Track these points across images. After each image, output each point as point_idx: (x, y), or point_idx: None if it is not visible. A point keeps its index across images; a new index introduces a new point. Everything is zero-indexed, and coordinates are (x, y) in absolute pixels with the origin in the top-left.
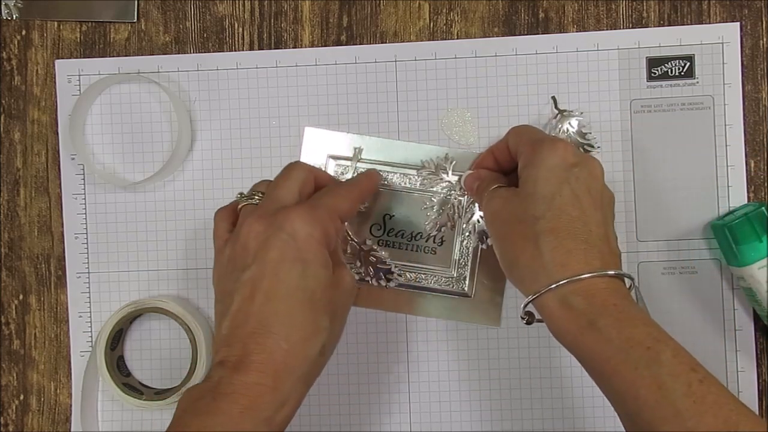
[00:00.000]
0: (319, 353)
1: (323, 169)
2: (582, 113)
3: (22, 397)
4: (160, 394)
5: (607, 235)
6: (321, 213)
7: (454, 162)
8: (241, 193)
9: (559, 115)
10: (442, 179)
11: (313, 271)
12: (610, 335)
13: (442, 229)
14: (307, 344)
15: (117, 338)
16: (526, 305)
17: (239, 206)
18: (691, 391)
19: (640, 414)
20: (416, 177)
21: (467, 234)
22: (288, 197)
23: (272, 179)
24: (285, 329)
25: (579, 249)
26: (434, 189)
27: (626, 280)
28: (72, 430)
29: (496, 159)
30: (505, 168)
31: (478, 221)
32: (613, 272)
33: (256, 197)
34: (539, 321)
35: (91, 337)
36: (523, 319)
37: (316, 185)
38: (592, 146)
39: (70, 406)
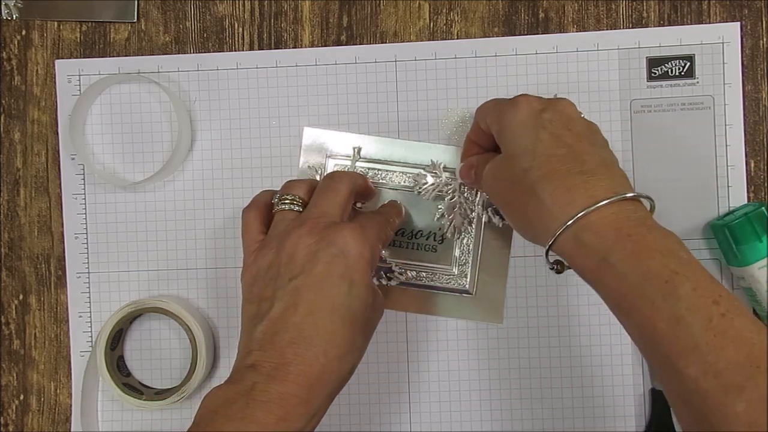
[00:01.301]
0: (349, 371)
1: (324, 168)
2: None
3: (22, 397)
4: (160, 394)
5: (604, 161)
6: (371, 235)
7: (442, 163)
8: (274, 194)
9: None
10: (438, 184)
11: (357, 291)
12: (625, 270)
13: (462, 229)
14: (342, 361)
15: (117, 338)
16: (547, 254)
17: (275, 209)
18: (712, 325)
19: (658, 348)
20: (415, 183)
21: (486, 218)
22: (335, 212)
23: (304, 181)
24: (324, 344)
25: (578, 182)
26: (432, 189)
27: (644, 201)
28: (72, 430)
29: (476, 143)
30: (487, 149)
31: (492, 203)
32: (629, 195)
33: (296, 203)
34: (569, 267)
35: (91, 337)
36: (552, 269)
37: (357, 194)
38: None
39: (70, 406)
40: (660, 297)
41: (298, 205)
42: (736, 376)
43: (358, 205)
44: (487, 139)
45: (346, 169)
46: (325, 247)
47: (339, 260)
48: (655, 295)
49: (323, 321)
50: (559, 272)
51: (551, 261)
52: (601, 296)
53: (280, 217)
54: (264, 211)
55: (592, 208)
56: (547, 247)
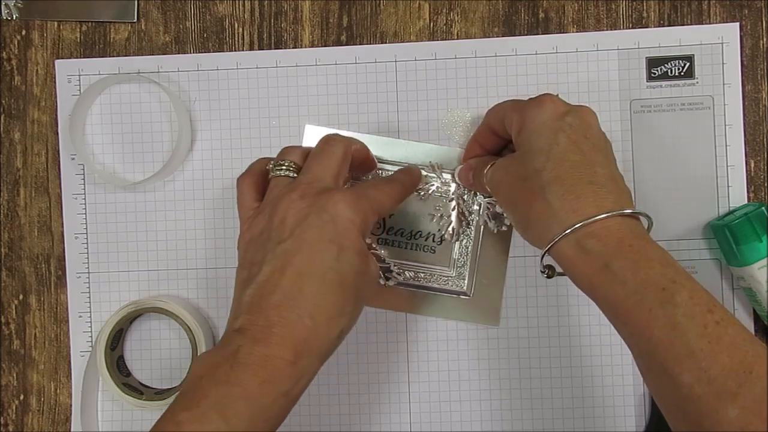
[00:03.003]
0: (337, 336)
1: None
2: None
3: (22, 397)
4: (160, 394)
5: (614, 175)
6: (364, 203)
7: (441, 165)
8: (270, 162)
9: None
10: (437, 184)
11: (347, 256)
12: (624, 277)
13: (461, 231)
14: (329, 324)
15: (117, 338)
16: (543, 256)
17: (270, 176)
18: (707, 332)
19: (654, 354)
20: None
21: (483, 223)
22: (328, 176)
23: (300, 147)
24: (311, 307)
25: (587, 191)
26: (432, 190)
27: (642, 219)
28: (72, 430)
29: (481, 146)
30: (492, 152)
31: (488, 207)
32: (628, 211)
33: (291, 169)
34: (560, 274)
35: (91, 337)
36: (543, 273)
37: (353, 160)
38: None
39: (70, 406)
40: (657, 304)
41: (292, 171)
42: (729, 382)
43: (363, 178)
44: (492, 142)
45: None
46: (315, 212)
47: (329, 225)
48: (652, 302)
49: (310, 285)
50: (549, 276)
51: (544, 264)
52: (598, 302)
53: (274, 183)
54: (259, 179)
55: (599, 217)
56: (546, 249)
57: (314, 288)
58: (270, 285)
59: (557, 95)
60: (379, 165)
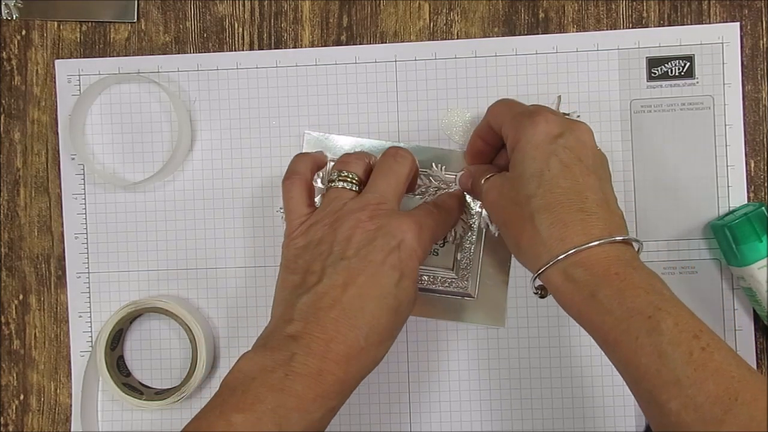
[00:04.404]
0: (381, 358)
1: (325, 172)
2: (579, 115)
3: (22, 397)
4: (160, 394)
5: (606, 199)
6: (425, 234)
7: (443, 167)
8: (332, 171)
9: None
10: (440, 187)
11: (405, 284)
12: (611, 306)
13: (463, 233)
14: (379, 348)
15: (117, 338)
16: (533, 281)
17: (330, 185)
18: (692, 359)
19: (642, 382)
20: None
21: (483, 227)
22: (394, 197)
23: (362, 158)
24: (367, 328)
25: (576, 220)
26: (434, 192)
27: (634, 243)
28: (72, 430)
29: (483, 140)
30: (495, 146)
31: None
32: (618, 238)
33: (354, 182)
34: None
35: (91, 337)
36: (535, 293)
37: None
38: None
39: (70, 406)
40: (644, 332)
41: (355, 184)
42: (715, 410)
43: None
44: (494, 137)
45: None
46: (383, 236)
47: (395, 252)
48: (639, 330)
49: (370, 306)
50: (542, 297)
51: (536, 286)
52: (587, 330)
53: (335, 194)
54: (307, 182)
55: (585, 246)
56: (535, 275)
57: (373, 310)
58: (329, 298)
59: (557, 102)
60: None
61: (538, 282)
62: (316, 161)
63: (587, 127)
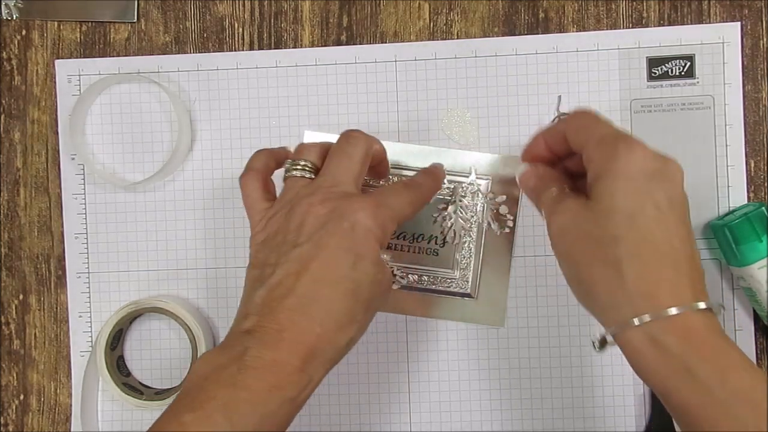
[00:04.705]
0: (346, 344)
1: None
2: None
3: (22, 397)
4: (160, 394)
5: (693, 255)
6: (384, 212)
7: (443, 167)
8: (268, 156)
9: (557, 119)
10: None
11: (363, 266)
12: (710, 385)
13: (463, 233)
14: (339, 333)
15: (117, 338)
16: (604, 335)
17: (286, 175)
18: None
19: None
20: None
21: (486, 225)
22: (348, 179)
23: (316, 145)
24: (322, 314)
25: (667, 277)
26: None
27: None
28: (72, 430)
29: (547, 145)
30: (559, 156)
31: (491, 209)
32: (703, 305)
33: (308, 169)
34: (611, 344)
35: (91, 337)
36: (595, 344)
37: (373, 160)
38: None
39: (70, 406)
40: (752, 419)
41: (309, 171)
42: None
43: (374, 183)
44: (562, 148)
45: None
46: (335, 218)
47: (348, 234)
48: (747, 417)
49: (324, 291)
50: (601, 349)
51: (599, 339)
52: (668, 404)
53: (291, 184)
54: (265, 177)
55: (677, 311)
56: (614, 330)
57: (328, 295)
58: (283, 288)
59: (557, 102)
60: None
61: (603, 334)
62: (274, 155)
63: (680, 166)
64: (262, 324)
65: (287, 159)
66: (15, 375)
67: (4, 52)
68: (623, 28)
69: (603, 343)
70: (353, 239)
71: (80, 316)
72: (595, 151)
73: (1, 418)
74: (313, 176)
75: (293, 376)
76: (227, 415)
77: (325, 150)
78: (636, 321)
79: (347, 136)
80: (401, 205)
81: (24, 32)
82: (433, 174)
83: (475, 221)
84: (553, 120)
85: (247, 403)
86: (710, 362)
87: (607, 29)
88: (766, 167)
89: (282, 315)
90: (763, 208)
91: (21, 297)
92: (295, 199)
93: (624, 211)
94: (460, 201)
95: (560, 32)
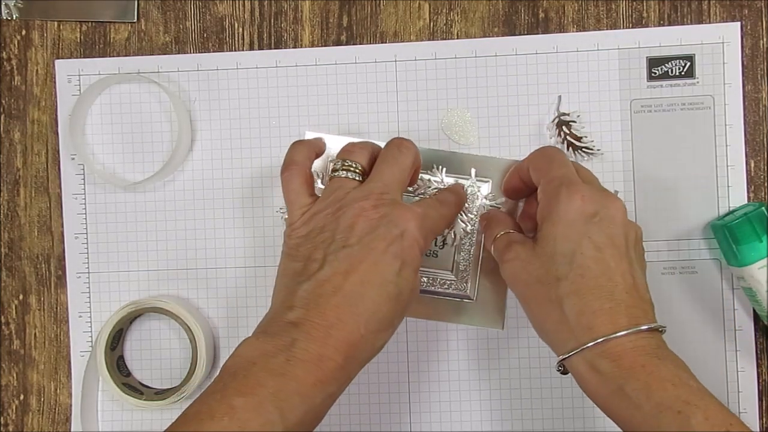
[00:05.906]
0: (381, 346)
1: (326, 172)
2: (579, 115)
3: (22, 397)
4: (160, 394)
5: (635, 285)
6: (428, 224)
7: (443, 168)
8: (335, 160)
9: (557, 119)
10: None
11: (406, 273)
12: (639, 401)
13: (463, 235)
14: (378, 336)
15: (117, 338)
16: (558, 364)
17: (333, 175)
18: None
19: None
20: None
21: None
22: (397, 189)
23: (365, 147)
24: (368, 315)
25: (604, 309)
26: (433, 194)
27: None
28: (72, 430)
29: (522, 180)
30: (532, 188)
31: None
32: (644, 327)
33: (357, 172)
34: None
35: (91, 337)
36: (559, 371)
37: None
38: (591, 149)
39: (70, 406)
40: (674, 428)
41: (358, 174)
42: None
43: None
44: (531, 180)
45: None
46: (386, 224)
47: (397, 240)
48: (669, 425)
49: (371, 293)
50: (564, 374)
51: (559, 363)
52: (614, 421)
53: (339, 184)
54: (306, 171)
55: (612, 336)
56: (560, 359)
57: (374, 297)
58: (330, 285)
59: (557, 102)
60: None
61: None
62: (314, 148)
63: (621, 204)
64: (309, 318)
65: (322, 151)
66: (15, 375)
67: (4, 52)
68: (623, 28)
69: (563, 367)
70: (401, 246)
71: (80, 316)
72: (542, 195)
73: (1, 418)
74: (361, 179)
75: (336, 373)
76: (277, 405)
77: (374, 153)
78: (577, 350)
79: (399, 144)
80: (439, 220)
81: (24, 32)
82: (458, 193)
83: (474, 223)
84: (553, 120)
85: (296, 394)
86: (639, 380)
87: (607, 29)
88: (766, 167)
89: (330, 312)
90: (763, 208)
91: (21, 297)
92: (345, 200)
93: (564, 253)
94: None
95: (560, 32)
